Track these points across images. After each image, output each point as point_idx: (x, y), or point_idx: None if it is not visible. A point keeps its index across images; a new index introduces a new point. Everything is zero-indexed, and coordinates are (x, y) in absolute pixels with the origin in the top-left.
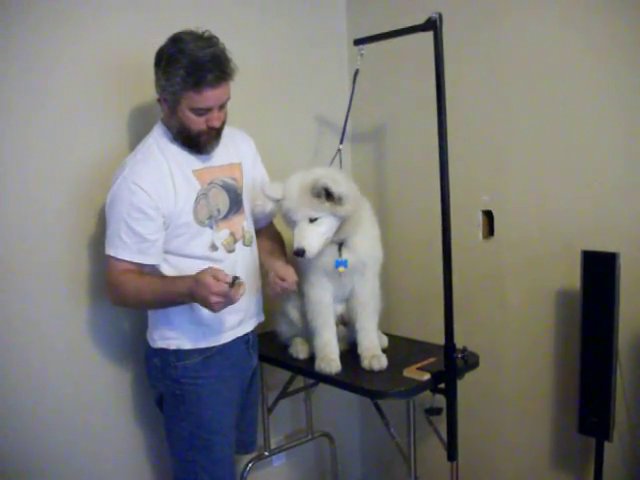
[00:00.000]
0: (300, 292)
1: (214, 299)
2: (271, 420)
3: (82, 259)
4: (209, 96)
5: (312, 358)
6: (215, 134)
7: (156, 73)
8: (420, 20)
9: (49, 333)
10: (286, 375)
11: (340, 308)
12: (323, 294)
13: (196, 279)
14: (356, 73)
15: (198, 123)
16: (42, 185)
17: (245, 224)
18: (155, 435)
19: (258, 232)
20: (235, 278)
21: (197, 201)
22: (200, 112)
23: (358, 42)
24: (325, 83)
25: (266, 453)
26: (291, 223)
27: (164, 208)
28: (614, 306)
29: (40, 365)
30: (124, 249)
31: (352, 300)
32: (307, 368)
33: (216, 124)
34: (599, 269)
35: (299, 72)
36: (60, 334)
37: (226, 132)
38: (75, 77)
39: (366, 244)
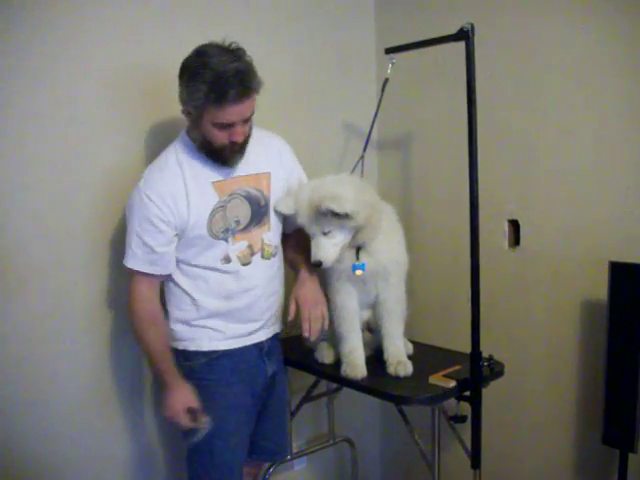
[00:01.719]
0: (326, 297)
1: (171, 417)
2: (294, 424)
3: (102, 271)
4: (231, 111)
5: (337, 363)
6: (239, 148)
7: (180, 86)
8: (447, 30)
9: (70, 342)
10: (309, 379)
11: (366, 315)
12: (348, 300)
13: (180, 392)
14: (385, 82)
15: (221, 137)
16: (58, 200)
17: (266, 236)
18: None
19: (287, 236)
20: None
21: (212, 214)
22: (222, 127)
23: (389, 51)
24: (353, 91)
25: (288, 457)
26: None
27: (176, 221)
28: None
29: (61, 371)
30: (134, 259)
31: (378, 306)
32: (333, 373)
33: (239, 139)
34: (627, 280)
35: (328, 79)
36: (81, 340)
37: (259, 140)
38: (95, 86)
39: (387, 248)
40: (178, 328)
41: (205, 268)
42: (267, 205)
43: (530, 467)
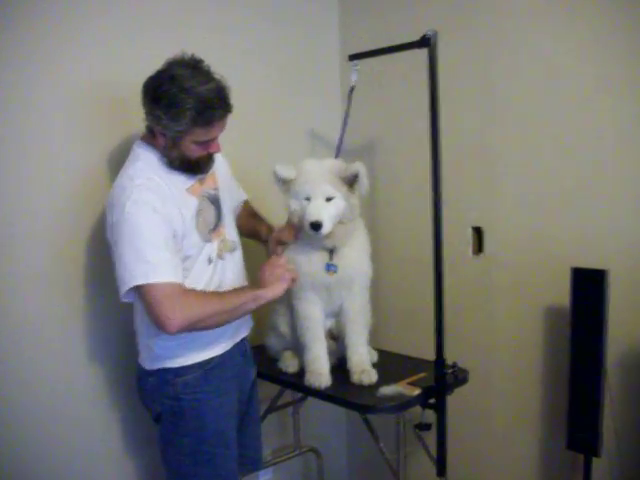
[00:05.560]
0: (290, 306)
1: (285, 273)
2: None
3: (72, 271)
4: (216, 129)
5: (302, 372)
6: (212, 156)
7: (154, 109)
8: (410, 36)
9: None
10: (274, 389)
11: (329, 323)
12: (312, 309)
13: (261, 274)
14: (352, 90)
15: (200, 152)
16: (31, 195)
17: (225, 231)
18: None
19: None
20: None
21: (197, 217)
22: (204, 143)
23: (353, 57)
24: (317, 98)
25: None
26: (302, 200)
27: (177, 228)
28: (603, 323)
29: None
30: (155, 271)
31: (341, 315)
32: (297, 382)
33: (217, 150)
34: (589, 286)
35: (291, 87)
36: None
37: None
38: (61, 96)
39: (355, 257)
40: (168, 345)
41: (196, 274)
42: (219, 202)
43: (495, 473)
